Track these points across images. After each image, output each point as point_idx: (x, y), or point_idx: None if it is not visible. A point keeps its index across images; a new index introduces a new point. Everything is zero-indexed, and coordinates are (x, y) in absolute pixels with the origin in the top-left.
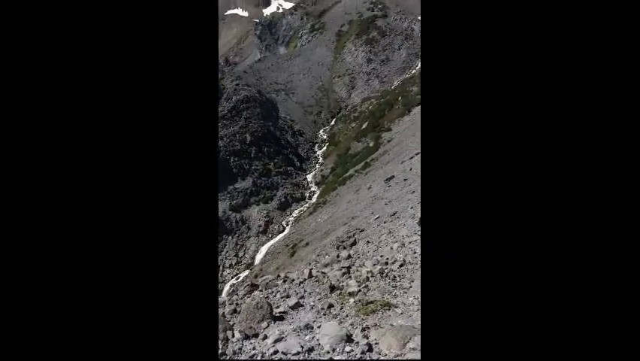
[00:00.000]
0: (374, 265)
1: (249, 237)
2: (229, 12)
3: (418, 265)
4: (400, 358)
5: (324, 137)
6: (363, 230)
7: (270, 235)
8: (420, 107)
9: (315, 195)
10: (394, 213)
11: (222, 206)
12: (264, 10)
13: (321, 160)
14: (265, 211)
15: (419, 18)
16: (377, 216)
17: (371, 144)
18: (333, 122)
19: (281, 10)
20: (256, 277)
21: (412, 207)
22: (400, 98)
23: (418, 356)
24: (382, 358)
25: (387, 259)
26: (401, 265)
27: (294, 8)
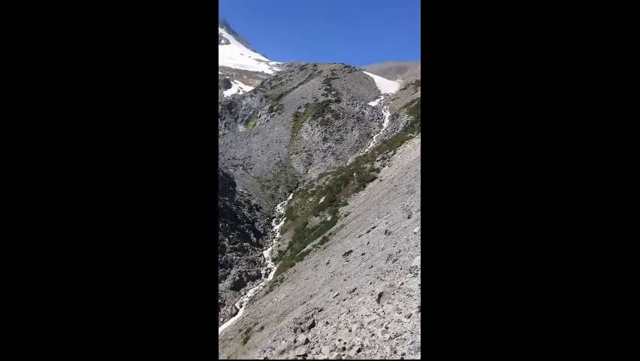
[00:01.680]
0: (331, 351)
1: None
2: None
3: (376, 349)
4: (399, 358)
5: (282, 211)
6: (322, 309)
7: (221, 319)
8: (373, 182)
9: (272, 273)
10: (354, 290)
11: None
12: (224, 92)
13: (278, 235)
14: (217, 292)
15: (369, 104)
16: (336, 293)
17: (329, 218)
18: (290, 197)
19: (241, 93)
20: None
21: (370, 283)
22: (354, 174)
23: None
24: (381, 358)
25: (345, 343)
26: (359, 350)
27: (254, 91)
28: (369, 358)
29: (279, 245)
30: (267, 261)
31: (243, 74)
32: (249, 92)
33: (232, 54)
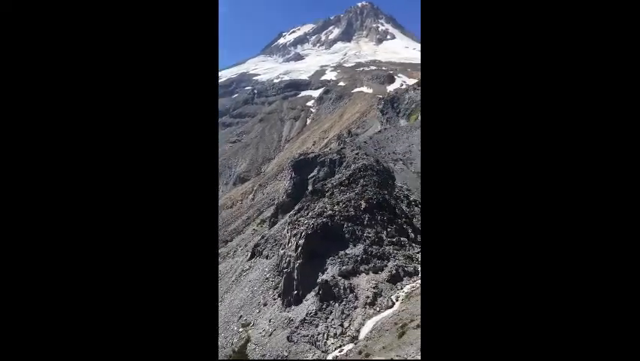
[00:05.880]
0: None
1: (356, 307)
2: (356, 90)
3: None
4: (400, 358)
5: None
6: None
7: (377, 309)
8: None
9: None
10: None
11: (332, 271)
12: (387, 87)
13: None
14: (374, 282)
15: None
16: None
17: None
18: None
19: (404, 86)
20: (361, 353)
21: None
22: None
23: None
24: (382, 358)
25: None
26: None
27: (417, 84)
28: None
29: None
30: None
31: (407, 67)
32: (413, 85)
33: (397, 48)
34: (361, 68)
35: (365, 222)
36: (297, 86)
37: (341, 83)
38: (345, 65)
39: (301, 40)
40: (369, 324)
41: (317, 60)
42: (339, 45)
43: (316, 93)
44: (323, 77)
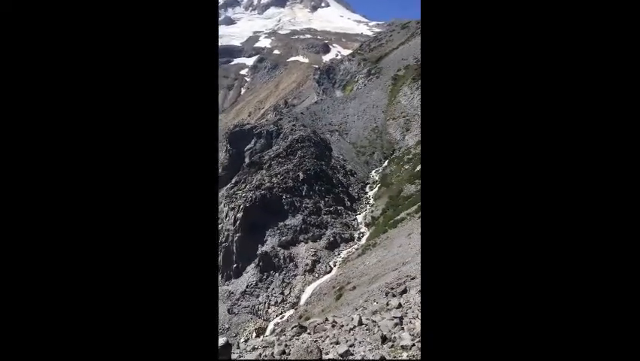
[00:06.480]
0: None
1: (296, 275)
2: (291, 59)
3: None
4: (399, 358)
5: (376, 178)
6: (414, 277)
7: (316, 275)
8: None
9: (365, 237)
10: None
11: (272, 242)
12: (323, 57)
13: (372, 201)
14: (313, 250)
15: None
16: None
17: None
18: (385, 164)
19: (339, 57)
20: (301, 317)
21: None
22: None
23: None
24: (378, 359)
25: None
26: None
27: (352, 55)
28: None
29: (372, 211)
30: (360, 225)
31: (342, 37)
32: (347, 55)
33: (331, 17)
34: (296, 36)
35: (303, 193)
36: (229, 52)
37: (276, 52)
38: (279, 32)
39: (232, 3)
40: (309, 290)
41: (249, 25)
42: (272, 10)
43: (250, 61)
44: (257, 44)
